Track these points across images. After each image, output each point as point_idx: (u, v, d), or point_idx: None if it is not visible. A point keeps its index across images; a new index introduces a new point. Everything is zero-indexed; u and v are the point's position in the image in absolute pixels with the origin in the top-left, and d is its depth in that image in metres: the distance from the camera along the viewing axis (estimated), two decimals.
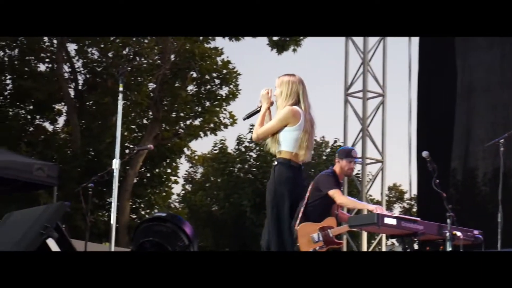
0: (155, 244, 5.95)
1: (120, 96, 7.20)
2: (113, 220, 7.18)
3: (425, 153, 7.81)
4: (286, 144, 6.47)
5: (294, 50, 19.85)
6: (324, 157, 24.65)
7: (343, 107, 16.25)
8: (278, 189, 6.41)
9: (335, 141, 24.69)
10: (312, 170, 23.22)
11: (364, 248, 15.86)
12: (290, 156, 6.46)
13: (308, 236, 8.31)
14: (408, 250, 8.33)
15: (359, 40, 16.04)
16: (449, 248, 7.68)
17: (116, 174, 7.14)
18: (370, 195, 18.32)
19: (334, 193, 8.41)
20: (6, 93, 24.09)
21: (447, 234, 7.62)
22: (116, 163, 7.14)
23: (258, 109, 6.73)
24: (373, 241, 17.07)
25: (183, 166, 48.26)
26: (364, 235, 15.87)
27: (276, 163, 6.50)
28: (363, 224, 8.37)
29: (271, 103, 6.65)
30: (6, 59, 23.58)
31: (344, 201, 8.62)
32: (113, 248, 7.11)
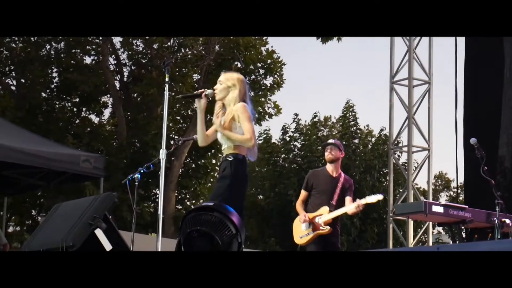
0: (203, 233, 5.94)
1: (166, 86, 7.21)
2: (160, 211, 7.21)
3: (473, 140, 7.78)
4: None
5: (339, 39, 19.73)
6: (369, 146, 24.54)
7: (389, 95, 16.17)
8: (235, 185, 6.66)
9: (381, 130, 24.56)
10: (357, 158, 23.13)
11: (411, 236, 15.75)
12: (244, 152, 6.75)
13: (300, 226, 8.63)
14: (456, 239, 8.26)
15: None
16: (497, 236, 7.63)
17: (162, 164, 7.15)
18: (416, 184, 18.20)
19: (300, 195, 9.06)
20: (52, 86, 24.39)
21: (496, 221, 7.58)
22: (162, 154, 7.15)
23: (198, 93, 6.92)
24: (419, 229, 16.98)
25: None
26: (411, 223, 15.77)
27: (231, 158, 6.69)
28: (410, 212, 8.37)
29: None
30: (52, 52, 23.87)
31: (296, 205, 9.06)
32: (160, 239, 7.13)
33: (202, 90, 6.96)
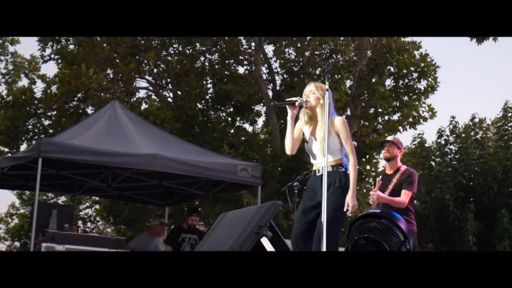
0: (370, 240, 5.92)
1: (327, 94, 7.19)
2: (323, 218, 7.18)
3: None
4: (340, 153, 7.07)
5: (495, 39, 19.20)
6: None
7: None
8: (345, 194, 6.85)
9: None
10: None
11: None
12: (341, 162, 7.03)
13: None
14: None
15: None
16: None
17: (325, 172, 7.13)
18: None
19: None
20: (207, 97, 24.83)
21: None
22: (324, 161, 7.14)
23: (293, 101, 7.09)
24: None
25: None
26: None
27: (343, 169, 7.02)
28: None
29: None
30: (206, 63, 24.33)
31: None
32: (324, 246, 7.10)
33: (295, 98, 7.13)
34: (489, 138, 24.53)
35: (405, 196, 8.56)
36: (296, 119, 7.19)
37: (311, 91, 7.15)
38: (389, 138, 9.18)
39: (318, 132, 7.08)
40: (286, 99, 7.22)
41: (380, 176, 8.83)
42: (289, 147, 7.16)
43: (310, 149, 7.14)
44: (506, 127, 23.44)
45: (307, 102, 7.10)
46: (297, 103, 7.04)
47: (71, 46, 23.69)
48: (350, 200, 6.77)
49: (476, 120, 24.29)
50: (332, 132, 7.03)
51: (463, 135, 23.59)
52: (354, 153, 7.00)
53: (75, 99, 23.73)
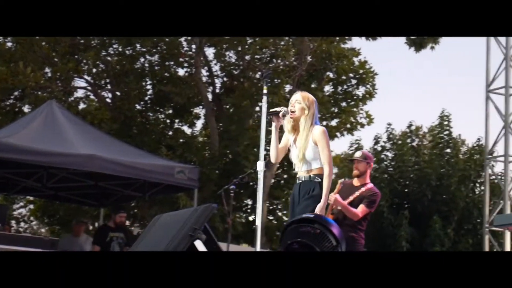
0: (303, 245, 5.97)
1: (265, 98, 7.22)
2: (258, 222, 7.22)
3: None
4: (319, 162, 7.07)
5: (432, 47, 19.54)
6: (461, 156, 24.05)
7: (484, 104, 15.94)
8: (314, 203, 6.92)
9: (478, 139, 24.03)
10: (451, 168, 22.76)
11: (508, 247, 15.47)
12: (322, 172, 7.05)
13: None
14: None
15: None
16: None
17: (261, 176, 7.16)
18: None
19: None
20: (146, 98, 24.73)
21: None
22: (260, 165, 7.16)
23: (278, 111, 7.15)
24: None
25: None
26: (508, 234, 15.50)
27: (319, 179, 7.03)
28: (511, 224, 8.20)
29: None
30: (146, 65, 24.22)
31: None
32: (258, 249, 7.16)
33: (280, 109, 7.17)
34: (425, 145, 24.80)
35: (360, 210, 8.60)
36: (280, 128, 7.20)
37: (297, 101, 7.17)
38: (357, 154, 9.02)
39: (299, 141, 7.10)
40: (271, 109, 7.20)
41: (343, 179, 8.84)
42: (273, 156, 7.23)
43: (292, 158, 7.20)
44: (442, 135, 23.72)
45: (292, 111, 7.11)
46: (281, 114, 7.06)
47: (9, 44, 23.39)
48: (318, 210, 6.82)
49: (413, 127, 24.57)
50: (311, 142, 7.04)
51: (400, 142, 23.81)
52: (331, 164, 7.03)
53: (12, 97, 23.47)
